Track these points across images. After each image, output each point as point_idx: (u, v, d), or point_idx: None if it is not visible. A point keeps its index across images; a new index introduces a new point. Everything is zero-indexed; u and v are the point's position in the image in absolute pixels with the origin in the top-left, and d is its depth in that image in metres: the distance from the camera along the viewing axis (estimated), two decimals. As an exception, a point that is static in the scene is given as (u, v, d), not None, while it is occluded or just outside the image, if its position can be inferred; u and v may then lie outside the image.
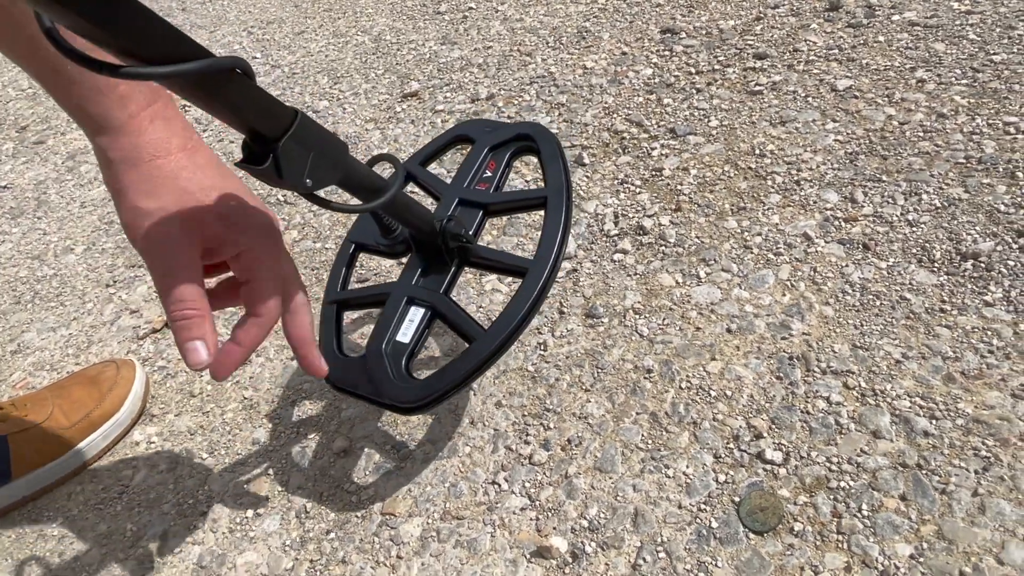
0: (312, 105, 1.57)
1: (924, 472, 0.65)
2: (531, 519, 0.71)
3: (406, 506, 0.76)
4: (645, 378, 0.81)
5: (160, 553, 0.78)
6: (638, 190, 1.07)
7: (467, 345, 0.68)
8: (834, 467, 0.67)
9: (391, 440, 0.82)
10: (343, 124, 1.46)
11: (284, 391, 0.92)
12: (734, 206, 0.99)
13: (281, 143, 0.46)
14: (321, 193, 0.63)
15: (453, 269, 0.75)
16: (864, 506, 0.64)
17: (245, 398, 0.93)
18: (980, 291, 0.79)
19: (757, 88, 1.21)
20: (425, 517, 0.74)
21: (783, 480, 0.68)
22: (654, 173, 1.09)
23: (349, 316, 0.99)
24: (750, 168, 1.05)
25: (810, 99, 1.15)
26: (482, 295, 0.97)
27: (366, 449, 0.82)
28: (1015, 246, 0.82)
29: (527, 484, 0.74)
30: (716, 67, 1.30)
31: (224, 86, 0.41)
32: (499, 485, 0.75)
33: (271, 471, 0.83)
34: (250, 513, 0.79)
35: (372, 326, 0.83)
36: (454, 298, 0.75)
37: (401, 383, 0.69)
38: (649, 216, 1.02)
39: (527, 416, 0.81)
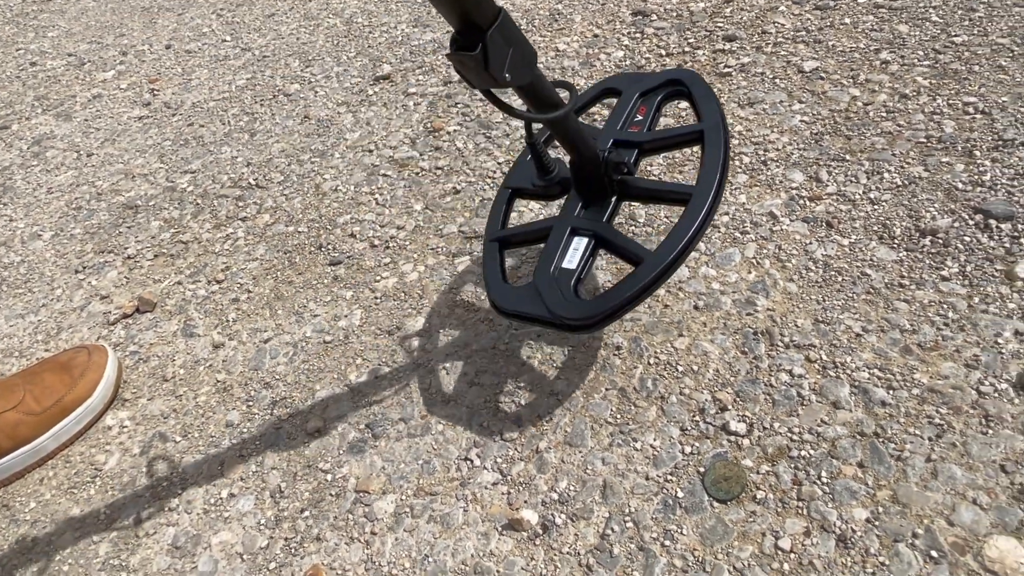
0: (283, 88, 1.55)
1: (881, 440, 0.67)
2: (503, 493, 0.73)
3: (380, 483, 0.77)
4: (615, 355, 0.82)
5: (134, 535, 0.78)
6: (609, 171, 1.08)
7: (633, 268, 0.70)
8: (795, 437, 0.70)
9: (365, 420, 0.83)
10: (315, 107, 1.45)
11: (257, 373, 0.93)
12: (702, 186, 1.01)
13: (489, 32, 0.51)
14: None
15: (614, 201, 0.77)
16: (823, 474, 0.66)
17: (218, 381, 0.93)
18: (937, 266, 0.81)
19: (726, 70, 1.22)
20: (399, 494, 0.75)
21: (747, 450, 0.70)
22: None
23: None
24: (718, 149, 1.06)
25: (778, 80, 1.17)
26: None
27: (340, 428, 0.83)
28: (971, 222, 0.85)
29: (499, 459, 0.76)
30: (686, 49, 1.31)
31: None
32: (471, 461, 0.76)
33: (245, 452, 0.83)
34: (224, 493, 0.80)
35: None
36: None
37: (571, 303, 0.70)
38: (619, 197, 1.03)
39: (499, 394, 0.82)
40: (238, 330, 1.00)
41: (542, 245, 0.78)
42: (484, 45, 0.50)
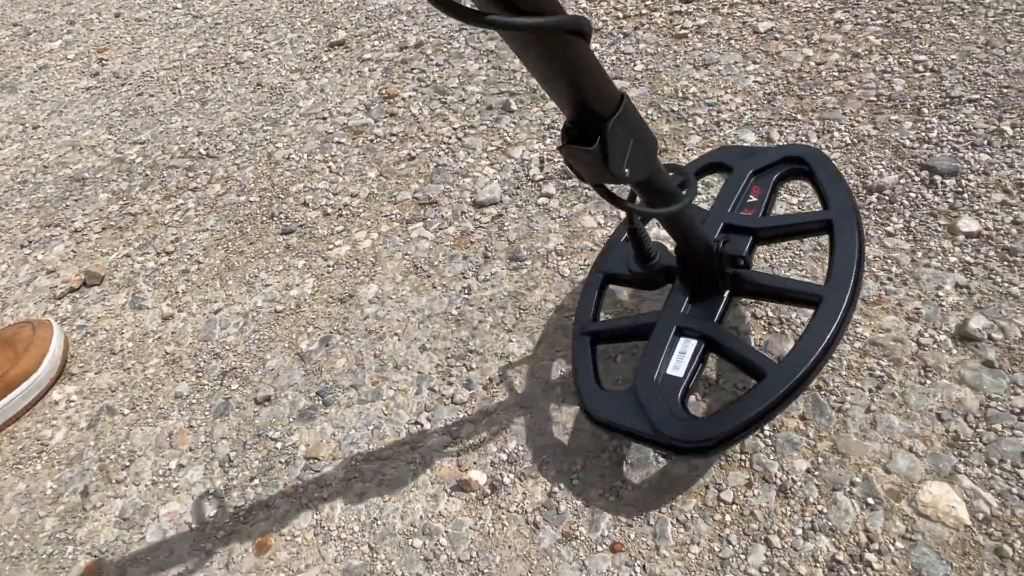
0: (236, 56, 1.51)
1: (823, 393, 0.68)
2: (452, 456, 0.73)
3: (330, 449, 0.76)
4: (566, 317, 0.82)
5: (81, 508, 0.77)
6: (564, 135, 1.07)
7: (753, 382, 0.61)
8: (740, 393, 0.70)
9: (315, 388, 0.82)
10: (268, 75, 1.42)
11: (207, 344, 0.91)
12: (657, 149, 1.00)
13: (610, 123, 0.43)
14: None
15: (726, 297, 0.67)
16: (766, 427, 0.67)
17: (167, 353, 0.92)
18: (883, 222, 0.82)
19: (682, 32, 1.21)
20: (348, 459, 0.75)
21: (692, 407, 0.70)
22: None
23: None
24: (672, 111, 1.06)
25: (733, 42, 1.16)
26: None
27: (290, 397, 0.82)
28: (917, 178, 0.85)
29: (449, 423, 0.76)
30: (643, 11, 1.30)
31: (572, 47, 0.38)
32: (421, 425, 0.76)
33: (194, 423, 0.82)
34: (173, 464, 0.79)
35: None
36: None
37: (679, 419, 0.60)
38: (574, 160, 1.02)
39: (451, 358, 0.82)
40: (188, 301, 0.98)
41: (641, 343, 0.68)
42: (604, 139, 0.43)
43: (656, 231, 0.88)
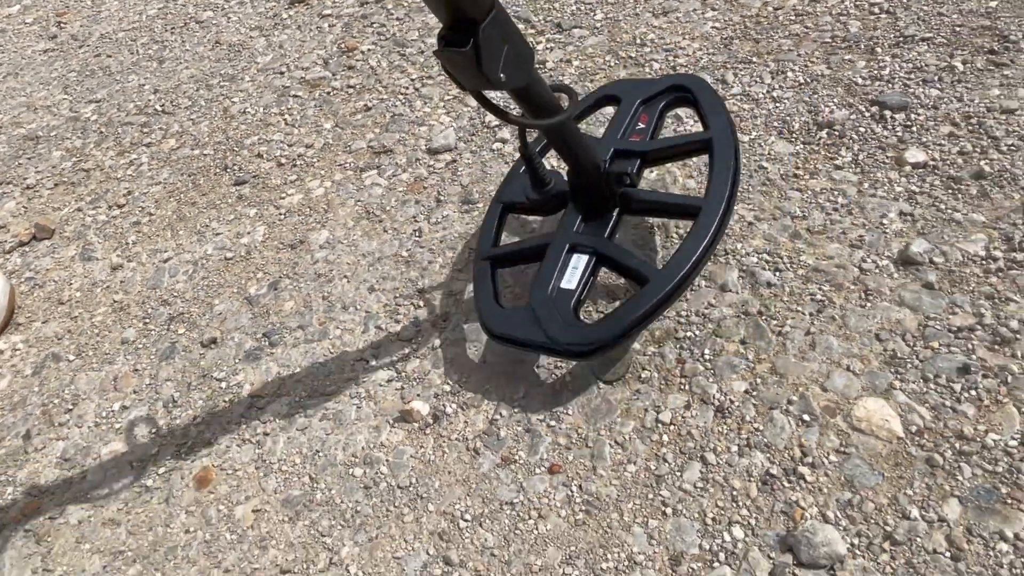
0: (196, 16, 1.49)
1: (764, 318, 0.68)
2: (396, 389, 0.72)
3: (274, 387, 0.75)
4: (515, 256, 0.81)
5: (23, 452, 0.76)
6: (521, 83, 1.06)
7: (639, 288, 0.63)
8: (683, 320, 0.70)
9: (262, 329, 0.81)
10: (227, 33, 1.39)
11: (156, 292, 0.90)
12: (612, 93, 1.00)
13: (483, 26, 0.45)
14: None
15: (615, 215, 0.69)
16: (707, 351, 0.67)
17: (115, 301, 0.90)
18: (832, 156, 0.82)
19: (643, -19, 1.20)
20: (293, 396, 0.74)
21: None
22: (538, 66, 1.08)
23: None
24: (630, 57, 1.05)
25: (692, -10, 1.15)
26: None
27: (236, 339, 0.81)
28: (867, 114, 0.85)
29: (395, 358, 0.75)
30: (605, -37, 1.28)
31: None
32: (367, 362, 0.75)
33: (139, 367, 0.81)
34: (117, 407, 0.78)
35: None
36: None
37: (572, 328, 0.63)
38: (529, 106, 1.01)
39: (399, 298, 0.81)
40: (138, 252, 0.97)
41: (538, 264, 0.70)
42: (477, 41, 0.44)
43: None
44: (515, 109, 0.70)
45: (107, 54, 1.44)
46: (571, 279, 0.66)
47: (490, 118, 1.01)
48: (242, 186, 1.02)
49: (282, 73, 1.23)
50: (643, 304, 0.61)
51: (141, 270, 0.93)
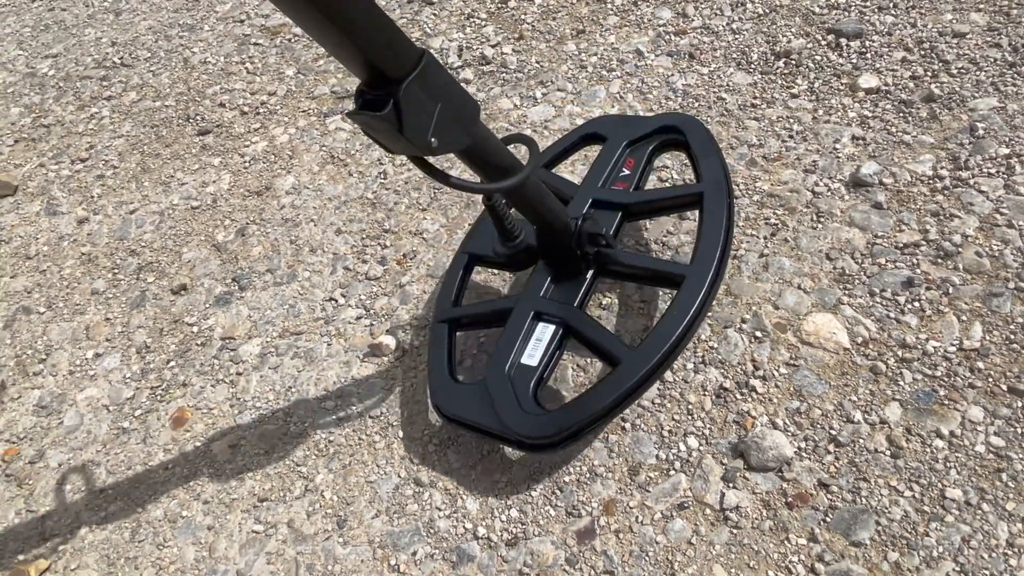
0: None
1: (720, 243, 0.70)
2: (365, 326, 0.74)
3: (245, 329, 0.77)
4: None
5: (-1, 401, 0.77)
6: (483, 23, 1.06)
7: (610, 369, 0.56)
8: (642, 248, 0.72)
9: (232, 274, 0.82)
10: None
11: (123, 243, 0.90)
12: (574, 31, 0.99)
13: (404, 85, 0.37)
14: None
15: (589, 279, 0.62)
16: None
17: (83, 253, 0.90)
18: (788, 85, 0.83)
19: (605, -83, 1.18)
20: (264, 337, 0.75)
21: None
22: (500, 6, 1.07)
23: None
24: (592, -6, 1.04)
25: (654, -76, 1.14)
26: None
27: (206, 285, 0.82)
28: (824, 42, 0.86)
29: (363, 297, 0.76)
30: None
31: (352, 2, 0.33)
32: (336, 301, 0.77)
33: (111, 316, 0.82)
34: (90, 354, 0.79)
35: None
36: (590, 313, 0.63)
37: (529, 414, 0.56)
38: (492, 46, 1.01)
39: (366, 239, 0.82)
40: (103, 204, 0.96)
41: (501, 328, 0.63)
42: (397, 102, 0.37)
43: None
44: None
45: (61, 7, 1.40)
46: (534, 353, 0.59)
47: (452, 59, 1.01)
48: (206, 136, 1.02)
49: (242, 21, 1.21)
50: (610, 393, 0.55)
51: (108, 222, 0.93)
